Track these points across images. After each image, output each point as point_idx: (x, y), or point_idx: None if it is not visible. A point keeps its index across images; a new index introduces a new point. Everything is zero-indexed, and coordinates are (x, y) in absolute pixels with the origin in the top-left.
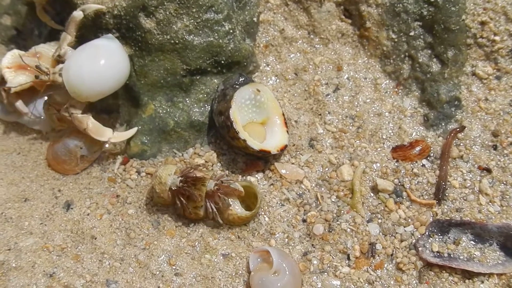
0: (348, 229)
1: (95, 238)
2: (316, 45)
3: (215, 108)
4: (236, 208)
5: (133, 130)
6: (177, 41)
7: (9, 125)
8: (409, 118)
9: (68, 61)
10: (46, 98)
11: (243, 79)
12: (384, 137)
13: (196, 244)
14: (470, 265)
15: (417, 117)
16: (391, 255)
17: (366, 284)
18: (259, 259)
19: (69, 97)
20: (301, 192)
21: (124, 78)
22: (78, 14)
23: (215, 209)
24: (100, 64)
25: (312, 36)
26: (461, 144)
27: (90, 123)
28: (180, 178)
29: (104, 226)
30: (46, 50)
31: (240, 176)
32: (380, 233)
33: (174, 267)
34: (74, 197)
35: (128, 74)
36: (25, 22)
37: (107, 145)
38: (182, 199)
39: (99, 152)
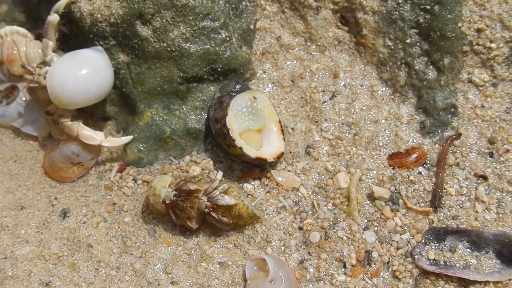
0: (345, 237)
1: (92, 247)
2: (312, 52)
3: (212, 115)
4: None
5: (128, 138)
6: (173, 49)
7: (6, 132)
8: (405, 125)
9: (54, 67)
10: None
11: (240, 86)
12: (380, 144)
13: (193, 252)
14: (466, 273)
15: (413, 124)
16: (387, 263)
17: None
18: (255, 267)
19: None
20: (297, 199)
21: (105, 92)
22: (53, 18)
23: (217, 219)
24: (84, 75)
25: (308, 43)
26: (458, 151)
27: (81, 129)
28: (173, 192)
29: (101, 234)
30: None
31: (236, 183)
32: (376, 241)
33: (170, 275)
34: (70, 205)
35: (111, 88)
36: None
37: (105, 149)
38: (176, 211)
39: (96, 159)
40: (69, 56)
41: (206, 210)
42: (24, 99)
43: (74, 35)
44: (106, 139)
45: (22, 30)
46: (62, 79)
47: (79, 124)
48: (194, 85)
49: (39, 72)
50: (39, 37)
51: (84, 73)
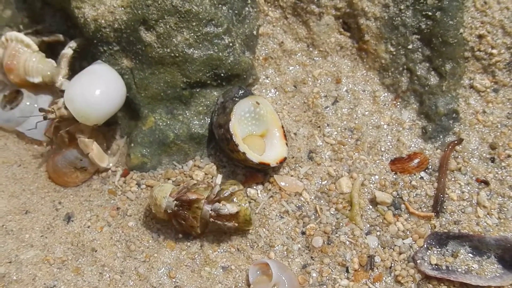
0: (347, 242)
1: (96, 251)
2: (315, 58)
3: (215, 120)
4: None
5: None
6: (177, 54)
7: (10, 136)
8: (407, 130)
9: (68, 90)
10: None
11: (243, 92)
12: (382, 149)
13: (196, 256)
14: (468, 278)
15: (415, 130)
16: (390, 267)
17: None
18: (258, 272)
19: (76, 124)
20: (300, 204)
21: (124, 96)
22: (68, 51)
23: (222, 225)
24: (100, 85)
25: (311, 49)
26: (459, 156)
27: (95, 148)
28: (174, 201)
29: (105, 239)
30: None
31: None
32: (379, 246)
33: (174, 279)
34: (74, 210)
35: (125, 93)
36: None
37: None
38: (178, 220)
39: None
40: (78, 76)
41: (211, 219)
42: (28, 103)
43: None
44: (112, 166)
45: (27, 40)
46: (82, 97)
47: (94, 143)
48: (197, 90)
49: (57, 107)
50: (42, 44)
51: (100, 84)
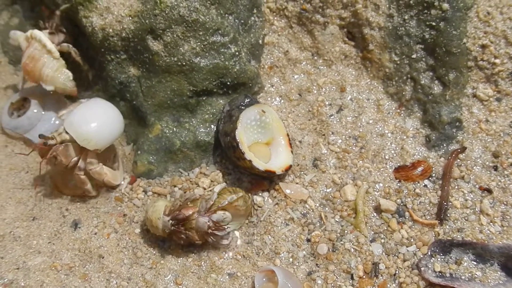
0: (352, 249)
1: (103, 257)
2: (319, 67)
3: (221, 128)
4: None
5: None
6: (184, 63)
7: (17, 143)
8: (411, 138)
9: (67, 118)
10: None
11: (249, 100)
12: (386, 157)
13: (202, 263)
14: (471, 285)
15: (419, 138)
16: (394, 275)
17: None
18: (264, 279)
19: (79, 153)
20: (305, 211)
21: (122, 124)
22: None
23: (216, 240)
24: (102, 111)
25: (316, 57)
26: (462, 164)
27: (108, 171)
28: (170, 221)
29: (112, 245)
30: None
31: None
32: (383, 253)
33: (180, 286)
34: (81, 216)
35: (123, 122)
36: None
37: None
38: (178, 236)
39: None
40: (78, 107)
41: (210, 231)
42: (35, 111)
43: (85, 49)
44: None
45: (49, 45)
46: (82, 120)
47: (104, 167)
48: (204, 98)
49: (58, 132)
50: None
51: (100, 109)
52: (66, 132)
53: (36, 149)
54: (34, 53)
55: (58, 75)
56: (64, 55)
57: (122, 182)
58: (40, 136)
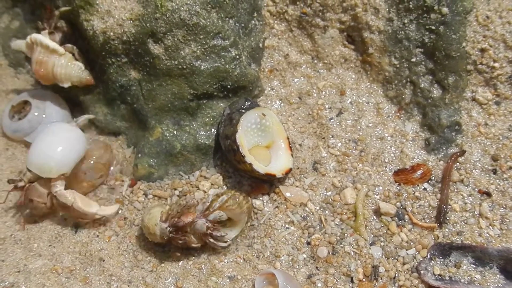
0: (352, 252)
1: (103, 260)
2: (319, 70)
3: (222, 132)
4: None
5: (116, 206)
6: (184, 67)
7: (18, 146)
8: (410, 142)
9: (27, 157)
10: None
11: (249, 103)
12: (386, 160)
13: (203, 266)
14: None
15: (418, 141)
16: (394, 278)
17: None
18: (264, 282)
19: (49, 183)
20: (305, 214)
21: (84, 139)
22: None
23: (215, 242)
24: (52, 137)
25: (315, 61)
26: (462, 168)
27: (77, 197)
28: (168, 228)
29: (112, 248)
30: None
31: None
32: (383, 256)
33: None
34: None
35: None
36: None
37: (115, 166)
38: (177, 241)
39: (104, 177)
40: (33, 143)
41: (208, 231)
42: (36, 114)
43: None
44: (100, 208)
45: (52, 45)
46: (37, 153)
47: (74, 192)
48: (204, 101)
49: (23, 173)
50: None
51: (46, 134)
52: (29, 171)
53: (12, 192)
54: (40, 57)
55: (71, 70)
56: None
57: (99, 212)
58: (9, 181)
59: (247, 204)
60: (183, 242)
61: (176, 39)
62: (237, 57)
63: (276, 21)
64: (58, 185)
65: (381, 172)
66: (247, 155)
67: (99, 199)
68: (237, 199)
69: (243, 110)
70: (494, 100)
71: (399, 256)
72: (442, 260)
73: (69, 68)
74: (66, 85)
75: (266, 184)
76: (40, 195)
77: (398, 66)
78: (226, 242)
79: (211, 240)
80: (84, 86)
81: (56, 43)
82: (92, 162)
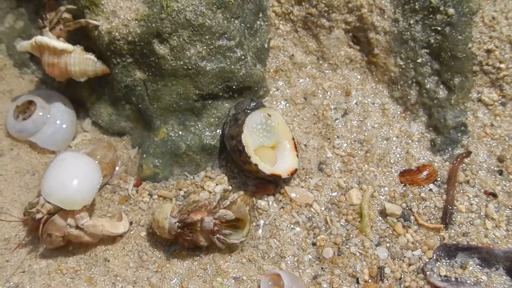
0: (357, 253)
1: (108, 261)
2: (325, 71)
3: (227, 132)
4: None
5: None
6: (190, 67)
7: (22, 146)
8: (416, 143)
9: (43, 188)
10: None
11: (254, 104)
12: (392, 161)
13: (208, 267)
14: None
15: (424, 142)
16: (400, 279)
17: None
18: (270, 283)
19: (68, 217)
20: (310, 215)
21: (99, 171)
22: None
23: (222, 239)
24: (74, 167)
25: (321, 61)
26: (467, 169)
27: (104, 222)
28: (177, 223)
29: (117, 249)
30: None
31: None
32: (389, 257)
33: None
34: None
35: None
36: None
37: (119, 167)
38: (185, 238)
39: (109, 177)
40: (48, 170)
41: (216, 228)
42: (41, 114)
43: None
44: (125, 225)
45: (59, 45)
46: (59, 184)
47: (97, 219)
48: (210, 102)
49: (40, 204)
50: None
51: (65, 165)
52: (48, 202)
53: (25, 223)
54: (50, 60)
55: (85, 66)
56: None
57: (127, 229)
58: (25, 213)
59: (251, 202)
60: (190, 239)
61: (181, 40)
62: (243, 57)
63: (281, 22)
64: (84, 216)
65: (387, 173)
66: (252, 156)
67: (104, 199)
68: (246, 201)
69: (248, 111)
70: (500, 101)
71: (405, 257)
72: (448, 261)
73: (82, 64)
74: (82, 79)
75: (272, 184)
76: (58, 228)
77: (403, 67)
78: (235, 239)
79: (219, 236)
80: (100, 76)
81: (62, 41)
82: (96, 161)
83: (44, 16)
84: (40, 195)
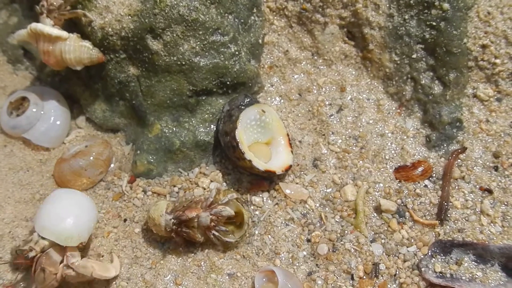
0: (352, 249)
1: (102, 256)
2: (319, 66)
3: (221, 128)
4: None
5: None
6: (183, 63)
7: (16, 143)
8: (411, 139)
9: (37, 223)
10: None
11: (249, 100)
12: (387, 157)
13: (202, 263)
14: (472, 286)
15: (419, 138)
16: (395, 275)
17: None
18: (264, 279)
19: (62, 253)
20: (305, 212)
21: (94, 207)
22: None
23: (218, 235)
24: (63, 198)
25: (315, 57)
26: (463, 165)
27: (95, 264)
28: (172, 220)
29: (111, 245)
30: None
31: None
32: (384, 253)
33: (180, 286)
34: None
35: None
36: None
37: (114, 164)
38: (180, 234)
39: (104, 174)
40: (42, 206)
41: (212, 224)
42: (34, 110)
43: None
44: (116, 268)
45: (54, 32)
46: (55, 218)
47: (89, 260)
48: (203, 98)
49: (34, 241)
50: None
51: (61, 200)
52: (43, 238)
53: (18, 264)
54: (45, 47)
55: (80, 54)
56: None
57: (118, 273)
58: (18, 251)
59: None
60: (187, 235)
61: (175, 35)
62: (237, 53)
63: (275, 17)
64: (75, 255)
65: (382, 169)
66: (246, 152)
67: (98, 196)
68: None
69: (242, 107)
70: (495, 97)
71: (400, 253)
72: (443, 257)
73: (77, 51)
74: (78, 68)
75: (266, 181)
76: (53, 263)
77: (398, 62)
78: (231, 238)
79: (215, 233)
80: (96, 64)
81: (58, 28)
82: (92, 158)
83: (42, 3)
84: (34, 231)
